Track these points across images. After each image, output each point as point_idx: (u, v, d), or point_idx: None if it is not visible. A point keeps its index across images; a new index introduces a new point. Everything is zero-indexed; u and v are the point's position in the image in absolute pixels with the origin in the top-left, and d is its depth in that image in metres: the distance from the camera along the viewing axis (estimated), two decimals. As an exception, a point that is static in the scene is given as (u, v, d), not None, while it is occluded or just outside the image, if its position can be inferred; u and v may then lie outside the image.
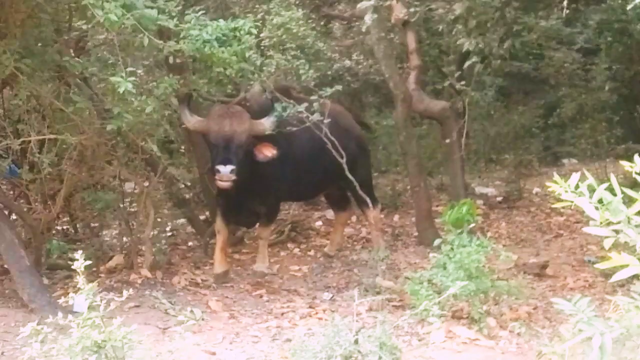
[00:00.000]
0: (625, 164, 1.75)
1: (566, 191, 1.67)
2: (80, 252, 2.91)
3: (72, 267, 3.00)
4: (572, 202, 1.68)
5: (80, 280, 2.85)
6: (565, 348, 2.63)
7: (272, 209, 6.97)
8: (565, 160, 12.94)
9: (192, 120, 6.21)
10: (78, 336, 2.74)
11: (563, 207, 6.54)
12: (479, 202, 9.82)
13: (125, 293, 2.97)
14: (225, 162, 5.87)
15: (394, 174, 10.90)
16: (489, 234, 5.82)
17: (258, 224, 7.04)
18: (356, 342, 3.35)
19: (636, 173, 1.71)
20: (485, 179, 11.52)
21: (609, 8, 11.65)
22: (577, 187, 1.69)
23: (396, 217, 9.43)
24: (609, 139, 11.01)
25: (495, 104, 13.70)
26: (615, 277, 1.93)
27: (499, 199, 10.21)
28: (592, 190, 1.68)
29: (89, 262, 2.91)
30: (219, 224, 6.63)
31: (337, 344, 3.33)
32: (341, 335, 3.38)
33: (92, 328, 2.78)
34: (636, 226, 1.62)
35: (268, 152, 6.12)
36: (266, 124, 6.12)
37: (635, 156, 1.74)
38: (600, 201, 1.64)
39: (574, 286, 6.44)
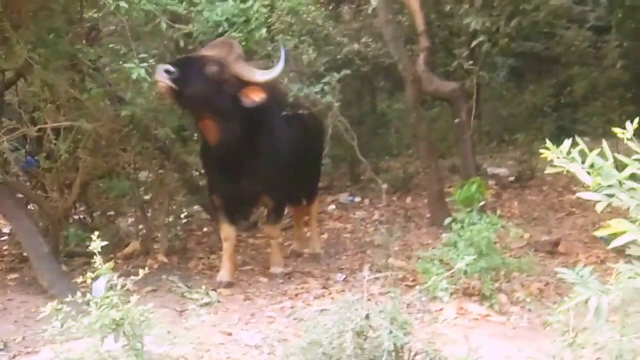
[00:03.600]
0: (617, 130, 1.80)
1: (558, 157, 1.73)
2: (96, 233, 3.00)
3: (90, 250, 3.10)
4: (564, 168, 1.74)
5: (97, 260, 2.94)
6: (569, 314, 2.70)
7: (279, 201, 6.37)
8: (578, 139, 12.92)
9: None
10: (97, 315, 2.84)
11: (575, 186, 6.56)
12: (491, 182, 9.89)
13: (141, 272, 3.05)
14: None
15: (405, 156, 10.95)
16: (498, 212, 5.85)
17: (265, 222, 6.52)
18: (367, 317, 3.41)
19: (627, 139, 1.76)
20: (497, 159, 11.54)
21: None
22: (569, 153, 1.75)
23: (408, 199, 9.50)
24: (621, 117, 10.99)
25: (507, 84, 13.74)
26: (614, 244, 1.99)
27: (511, 178, 10.25)
28: (585, 156, 1.74)
29: (105, 243, 2.99)
30: (225, 231, 6.10)
31: (348, 320, 3.40)
32: (353, 311, 3.45)
33: (110, 307, 2.87)
34: (628, 190, 1.68)
35: (255, 95, 5.51)
36: (259, 73, 5.58)
37: (627, 122, 1.79)
38: (592, 166, 1.71)
39: (585, 262, 6.45)
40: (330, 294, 5.73)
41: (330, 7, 10.15)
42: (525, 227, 7.68)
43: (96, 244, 2.94)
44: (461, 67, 9.06)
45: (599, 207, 1.75)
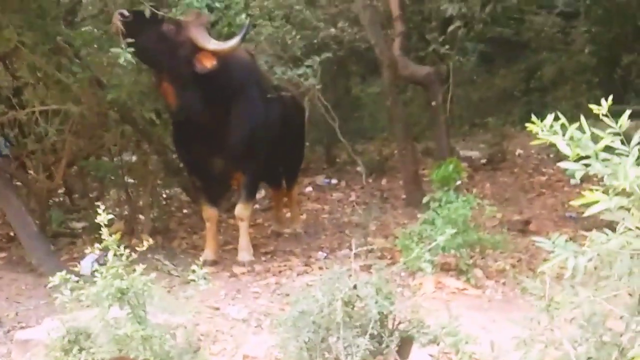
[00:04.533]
0: (593, 107, 2.00)
1: (542, 130, 1.93)
2: (102, 206, 3.15)
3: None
4: (547, 140, 1.94)
5: (104, 232, 3.09)
6: (545, 280, 2.92)
7: (252, 179, 6.34)
8: (559, 115, 13.21)
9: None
10: (103, 284, 2.99)
11: (545, 168, 6.81)
12: (464, 164, 10.09)
13: (145, 243, 3.23)
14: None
15: (380, 139, 11.16)
16: (473, 192, 6.09)
17: (238, 202, 6.34)
18: (355, 287, 3.60)
19: (603, 115, 1.97)
20: (469, 142, 11.80)
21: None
22: (551, 126, 1.95)
23: (384, 181, 9.73)
24: (589, 101, 11.27)
25: (477, 69, 13.99)
26: (588, 212, 2.19)
27: (483, 161, 10.51)
28: (565, 129, 1.94)
29: (112, 216, 3.15)
30: (207, 212, 6.24)
31: (337, 289, 3.58)
32: (341, 282, 3.64)
33: (115, 277, 3.03)
34: (603, 160, 1.88)
35: (207, 62, 5.51)
36: (212, 42, 5.57)
37: (602, 100, 2.00)
38: (571, 139, 1.90)
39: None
40: (312, 270, 5.91)
41: (308, -8, 10.27)
42: (497, 207, 7.93)
43: (103, 217, 3.10)
44: (434, 52, 9.28)
45: (577, 175, 1.96)
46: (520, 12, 12.46)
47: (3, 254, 6.18)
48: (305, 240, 7.08)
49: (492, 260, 5.89)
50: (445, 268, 5.61)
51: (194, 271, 3.27)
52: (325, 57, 7.12)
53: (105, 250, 3.23)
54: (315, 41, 9.48)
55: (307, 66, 6.76)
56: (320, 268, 5.82)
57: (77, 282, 3.06)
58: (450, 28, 7.36)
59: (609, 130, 1.93)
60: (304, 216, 8.11)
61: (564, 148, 1.90)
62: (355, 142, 11.17)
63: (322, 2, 10.44)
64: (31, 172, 6.92)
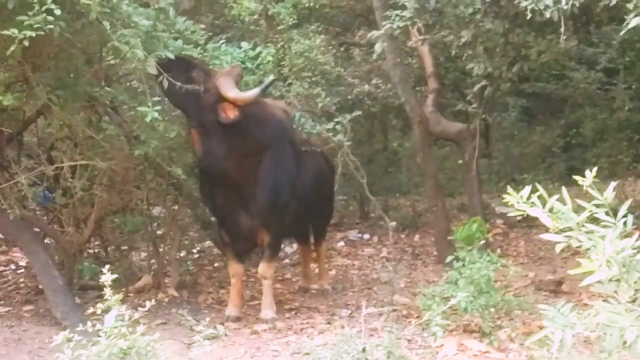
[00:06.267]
0: (578, 178, 1.97)
1: (519, 202, 1.90)
2: (107, 266, 3.19)
3: (102, 283, 3.29)
4: (524, 211, 1.91)
5: (107, 292, 3.12)
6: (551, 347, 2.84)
7: (276, 239, 6.32)
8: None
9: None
10: (105, 343, 3.01)
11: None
12: (499, 221, 10.01)
13: (148, 303, 3.23)
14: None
15: (415, 194, 11.12)
16: (503, 251, 5.99)
17: (261, 260, 6.30)
18: (364, 350, 3.56)
19: (587, 186, 1.93)
20: (506, 198, 11.66)
21: (631, 28, 11.75)
22: (529, 198, 1.92)
23: (416, 237, 9.65)
24: (628, 158, 11.14)
25: (518, 124, 13.92)
26: (584, 283, 2.14)
27: (519, 218, 10.32)
28: (545, 201, 1.91)
29: (116, 276, 3.18)
30: (233, 267, 6.22)
31: (345, 352, 3.55)
32: (350, 344, 3.61)
33: (119, 337, 3.04)
34: (587, 232, 1.85)
35: (230, 112, 5.59)
36: (232, 91, 5.60)
37: (587, 171, 1.96)
38: (551, 210, 1.87)
39: (588, 302, 6.56)
40: (334, 329, 5.84)
41: (342, 49, 10.43)
42: (530, 266, 7.81)
43: (107, 276, 3.13)
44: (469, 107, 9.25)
45: (557, 248, 1.92)
46: (562, 67, 12.40)
47: (30, 307, 6.28)
48: (331, 297, 7.02)
49: (520, 322, 5.76)
50: (469, 329, 5.50)
51: (198, 331, 3.27)
52: (356, 114, 7.17)
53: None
54: (349, 97, 9.58)
55: (337, 122, 6.81)
56: (343, 327, 5.77)
57: (81, 340, 3.08)
58: (476, 87, 7.34)
59: (594, 201, 1.89)
60: (333, 272, 8.07)
61: (546, 220, 1.87)
62: (390, 196, 11.17)
63: (357, 59, 10.59)
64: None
